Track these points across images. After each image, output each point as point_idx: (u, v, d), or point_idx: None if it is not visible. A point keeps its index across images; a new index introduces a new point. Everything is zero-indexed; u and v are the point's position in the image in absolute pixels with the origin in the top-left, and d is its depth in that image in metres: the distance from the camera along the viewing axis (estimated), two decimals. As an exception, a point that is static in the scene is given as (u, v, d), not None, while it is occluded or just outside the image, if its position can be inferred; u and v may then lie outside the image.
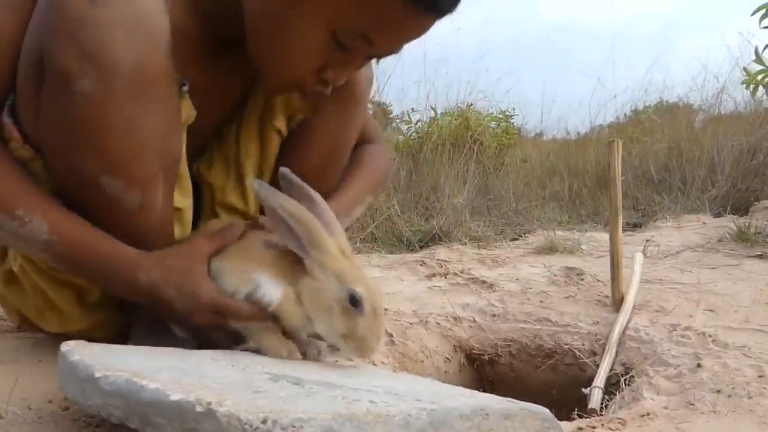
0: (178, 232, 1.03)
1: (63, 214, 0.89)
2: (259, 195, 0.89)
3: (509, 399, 0.74)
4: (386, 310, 1.52)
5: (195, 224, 1.15)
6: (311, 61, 0.95)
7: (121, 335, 1.04)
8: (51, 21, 0.80)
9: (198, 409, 0.55)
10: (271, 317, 0.90)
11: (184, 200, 1.05)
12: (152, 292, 0.90)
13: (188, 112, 1.00)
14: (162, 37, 0.85)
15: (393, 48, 0.97)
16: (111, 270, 0.90)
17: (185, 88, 0.97)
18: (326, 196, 1.02)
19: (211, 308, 0.90)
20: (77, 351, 0.72)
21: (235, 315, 0.90)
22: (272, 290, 0.89)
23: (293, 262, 0.90)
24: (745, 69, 3.72)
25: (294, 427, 0.53)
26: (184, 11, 0.99)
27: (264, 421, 0.53)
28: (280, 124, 1.15)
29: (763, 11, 3.25)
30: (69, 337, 1.09)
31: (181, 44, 0.90)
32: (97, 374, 0.64)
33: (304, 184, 0.97)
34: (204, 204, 1.19)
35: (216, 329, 0.92)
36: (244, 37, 0.98)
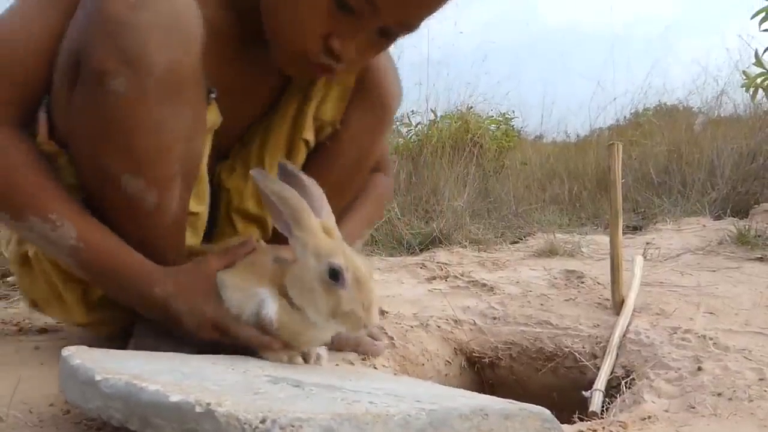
0: (190, 237, 1.04)
1: (90, 221, 0.90)
2: (256, 180, 0.90)
3: (510, 400, 0.74)
4: (386, 312, 1.52)
5: (210, 231, 1.15)
6: (315, 24, 0.93)
7: (123, 333, 1.05)
8: (91, 23, 0.82)
9: (197, 409, 0.56)
10: (272, 337, 0.90)
11: (199, 206, 1.05)
12: (164, 306, 0.92)
13: (214, 118, 1.02)
14: (196, 41, 0.86)
15: (401, 16, 0.94)
16: (129, 280, 0.92)
17: (213, 95, 0.99)
18: (337, 220, 1.00)
19: (214, 326, 0.92)
20: (78, 355, 0.72)
21: (235, 337, 0.92)
22: (270, 306, 0.89)
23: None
24: (744, 72, 3.73)
25: (293, 426, 0.53)
26: (218, 6, 1.00)
27: (263, 421, 0.53)
28: (309, 135, 1.15)
29: (763, 14, 3.26)
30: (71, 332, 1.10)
31: (213, 41, 0.91)
32: (98, 377, 0.64)
33: (299, 172, 0.98)
34: (220, 210, 1.19)
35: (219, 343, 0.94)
36: None
